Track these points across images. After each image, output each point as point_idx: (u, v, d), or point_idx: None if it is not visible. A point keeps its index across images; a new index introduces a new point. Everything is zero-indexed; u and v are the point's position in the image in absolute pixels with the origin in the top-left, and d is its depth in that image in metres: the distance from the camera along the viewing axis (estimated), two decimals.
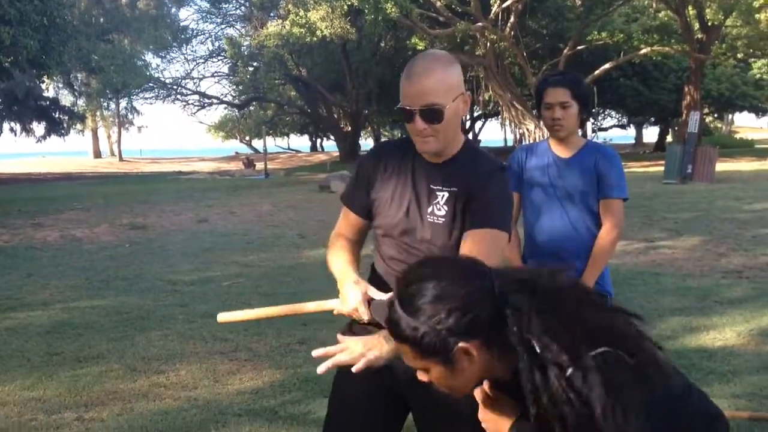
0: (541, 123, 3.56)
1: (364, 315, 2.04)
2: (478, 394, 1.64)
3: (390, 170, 2.23)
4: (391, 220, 2.21)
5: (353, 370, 1.93)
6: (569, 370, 1.38)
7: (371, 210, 2.29)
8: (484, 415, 1.63)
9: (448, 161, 2.17)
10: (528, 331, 1.42)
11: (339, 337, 2.05)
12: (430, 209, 2.15)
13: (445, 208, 2.14)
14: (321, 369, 1.96)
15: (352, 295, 2.09)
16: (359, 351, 1.96)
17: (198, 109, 46.17)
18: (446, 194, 2.15)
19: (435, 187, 2.16)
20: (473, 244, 2.07)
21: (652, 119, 44.42)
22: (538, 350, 1.41)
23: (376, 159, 2.29)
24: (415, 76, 2.05)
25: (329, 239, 2.37)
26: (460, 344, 1.46)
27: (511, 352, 1.44)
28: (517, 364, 1.44)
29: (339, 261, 2.24)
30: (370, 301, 2.06)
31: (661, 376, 1.45)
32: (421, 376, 1.58)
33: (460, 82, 2.11)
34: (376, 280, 2.27)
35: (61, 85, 44.81)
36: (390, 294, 1.89)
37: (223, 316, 2.48)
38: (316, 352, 2.00)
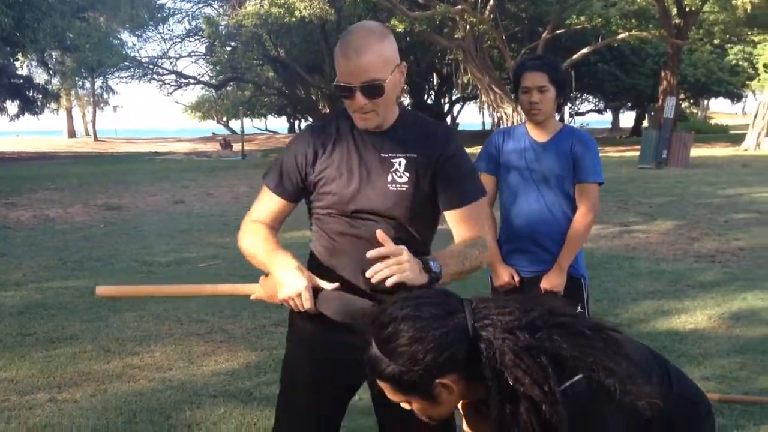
0: (519, 107, 3.57)
1: (307, 303, 1.97)
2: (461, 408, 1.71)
3: (329, 147, 2.14)
4: (342, 195, 2.12)
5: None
6: (542, 406, 1.44)
7: (302, 192, 2.21)
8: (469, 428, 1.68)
9: (389, 129, 2.14)
10: (501, 363, 1.48)
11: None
12: (389, 178, 2.11)
13: (407, 174, 2.11)
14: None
15: (295, 281, 1.98)
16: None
17: (174, 89, 45.69)
18: (403, 161, 2.12)
19: (387, 155, 2.12)
20: (463, 224, 2.15)
21: (629, 104, 44.68)
22: (511, 383, 1.47)
23: (309, 139, 2.18)
24: (352, 52, 2.01)
25: (243, 224, 2.24)
26: (438, 380, 1.53)
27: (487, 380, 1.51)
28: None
29: (266, 245, 2.13)
30: (316, 292, 2.04)
31: (640, 390, 1.48)
32: (404, 405, 1.64)
33: (396, 53, 2.08)
34: (316, 267, 2.18)
35: (35, 63, 44.01)
36: (336, 285, 2.02)
37: (102, 290, 2.28)
38: None
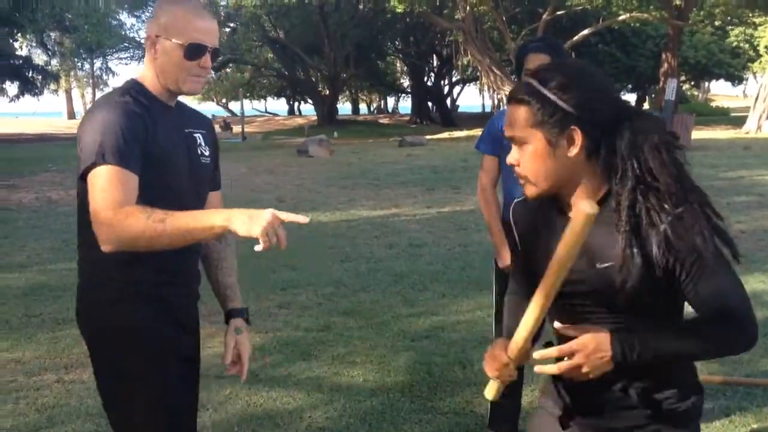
0: None
1: (282, 236, 1.72)
2: (567, 330, 1.61)
3: (151, 124, 1.97)
4: (179, 172, 2.05)
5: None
6: (667, 202, 1.50)
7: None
8: (581, 342, 1.52)
9: (174, 106, 2.13)
10: (641, 151, 1.53)
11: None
12: (199, 152, 2.15)
13: (208, 148, 2.19)
14: None
15: (264, 213, 1.72)
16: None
17: None
18: (200, 136, 2.18)
19: (189, 131, 2.15)
20: (220, 204, 2.29)
21: (630, 86, 44.52)
22: (639, 173, 1.52)
23: (139, 114, 1.95)
24: (206, 14, 2.04)
25: (113, 215, 1.80)
26: (574, 126, 1.55)
27: (608, 170, 1.56)
28: (608, 189, 1.58)
29: (175, 214, 1.80)
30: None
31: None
32: (512, 155, 1.64)
33: None
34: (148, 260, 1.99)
35: (34, 44, 43.90)
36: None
37: None
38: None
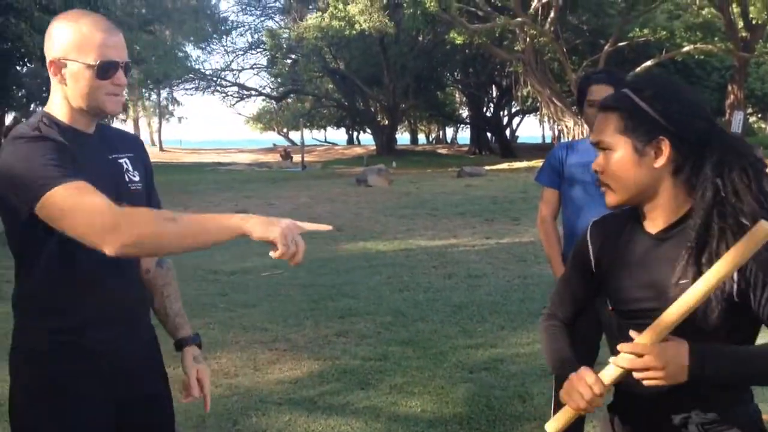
0: (581, 120, 3.57)
1: (301, 245, 1.66)
2: (647, 335, 1.50)
3: (70, 152, 1.79)
4: None
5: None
6: (746, 225, 1.47)
7: None
8: (662, 346, 1.48)
9: (94, 132, 1.93)
10: (728, 172, 1.52)
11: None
12: (126, 178, 1.95)
13: (137, 173, 1.99)
14: None
15: (282, 220, 1.67)
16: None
17: (237, 101, 46.72)
18: (127, 161, 1.98)
19: (113, 157, 1.95)
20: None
21: None
22: (723, 194, 1.51)
23: (53, 144, 1.77)
24: (113, 29, 1.86)
25: (113, 215, 1.66)
26: (663, 137, 1.55)
27: (693, 189, 1.55)
28: (691, 207, 1.56)
29: (186, 214, 1.75)
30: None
31: None
32: (597, 162, 1.64)
33: None
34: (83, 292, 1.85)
35: None
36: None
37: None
38: None
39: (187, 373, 2.08)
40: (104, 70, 1.81)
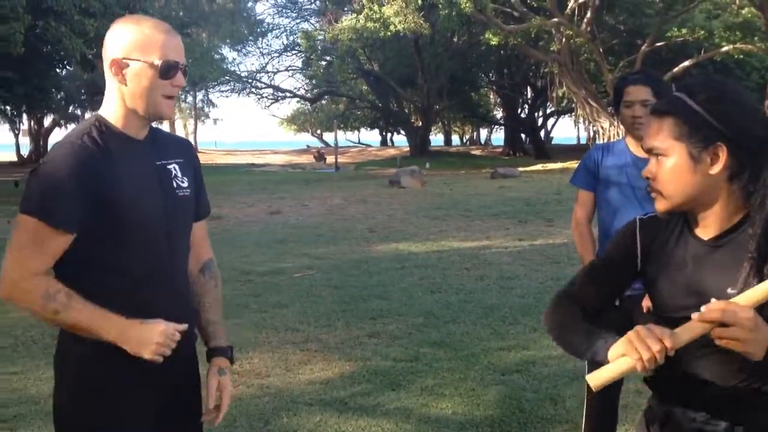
0: (617, 121, 3.52)
1: (176, 334, 1.85)
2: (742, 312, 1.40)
3: (108, 168, 1.83)
4: (150, 213, 1.89)
5: None
6: None
7: (92, 220, 1.82)
8: (752, 315, 1.38)
9: (145, 138, 1.96)
10: None
11: None
12: (174, 185, 1.97)
13: (186, 179, 2.01)
14: None
15: (154, 333, 1.82)
16: None
17: (271, 103, 47.00)
18: (176, 167, 2.00)
19: (161, 163, 1.97)
20: (204, 236, 2.19)
21: None
22: None
23: (93, 159, 1.82)
24: (173, 32, 1.89)
25: (16, 283, 1.78)
26: (720, 143, 1.50)
27: (749, 196, 1.51)
28: (745, 213, 1.52)
29: (87, 305, 1.79)
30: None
31: None
32: (648, 169, 1.59)
33: None
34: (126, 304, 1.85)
35: None
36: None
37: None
38: None
39: (209, 385, 2.06)
40: (166, 69, 1.84)
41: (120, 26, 1.88)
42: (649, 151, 1.59)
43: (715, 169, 1.51)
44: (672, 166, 1.55)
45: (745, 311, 1.37)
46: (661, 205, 1.59)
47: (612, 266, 1.74)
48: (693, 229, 1.60)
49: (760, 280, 1.45)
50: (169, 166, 1.98)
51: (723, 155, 1.50)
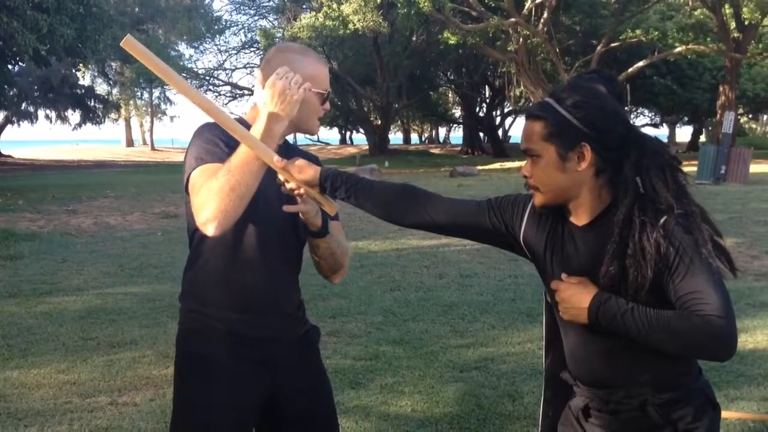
0: None
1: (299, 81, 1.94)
2: (559, 284, 1.75)
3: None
4: (270, 204, 2.07)
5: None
6: (664, 216, 1.62)
7: None
8: (565, 293, 1.71)
9: (281, 145, 2.13)
10: (646, 171, 1.66)
11: None
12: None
13: None
14: None
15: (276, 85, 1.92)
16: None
17: (230, 101, 46.45)
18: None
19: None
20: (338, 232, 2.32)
21: (686, 118, 43.91)
22: (643, 191, 1.65)
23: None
24: (322, 60, 2.16)
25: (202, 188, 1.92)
26: (585, 143, 1.68)
27: (614, 187, 1.69)
28: (612, 201, 1.70)
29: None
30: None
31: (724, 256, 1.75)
32: (525, 168, 1.76)
33: None
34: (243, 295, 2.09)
35: (96, 74, 45.30)
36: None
37: (130, 41, 1.84)
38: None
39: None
40: (326, 98, 2.13)
41: (287, 56, 2.09)
42: (525, 152, 1.77)
43: (582, 166, 1.69)
44: (544, 165, 1.72)
45: (559, 291, 1.72)
46: (538, 200, 1.78)
47: (481, 212, 2.00)
48: (569, 218, 1.78)
49: (621, 261, 1.64)
50: None
51: (588, 154, 1.68)
